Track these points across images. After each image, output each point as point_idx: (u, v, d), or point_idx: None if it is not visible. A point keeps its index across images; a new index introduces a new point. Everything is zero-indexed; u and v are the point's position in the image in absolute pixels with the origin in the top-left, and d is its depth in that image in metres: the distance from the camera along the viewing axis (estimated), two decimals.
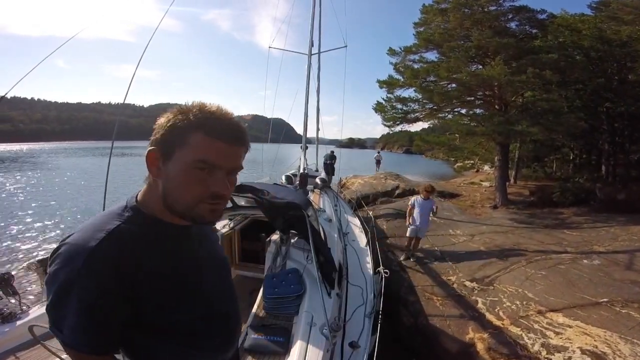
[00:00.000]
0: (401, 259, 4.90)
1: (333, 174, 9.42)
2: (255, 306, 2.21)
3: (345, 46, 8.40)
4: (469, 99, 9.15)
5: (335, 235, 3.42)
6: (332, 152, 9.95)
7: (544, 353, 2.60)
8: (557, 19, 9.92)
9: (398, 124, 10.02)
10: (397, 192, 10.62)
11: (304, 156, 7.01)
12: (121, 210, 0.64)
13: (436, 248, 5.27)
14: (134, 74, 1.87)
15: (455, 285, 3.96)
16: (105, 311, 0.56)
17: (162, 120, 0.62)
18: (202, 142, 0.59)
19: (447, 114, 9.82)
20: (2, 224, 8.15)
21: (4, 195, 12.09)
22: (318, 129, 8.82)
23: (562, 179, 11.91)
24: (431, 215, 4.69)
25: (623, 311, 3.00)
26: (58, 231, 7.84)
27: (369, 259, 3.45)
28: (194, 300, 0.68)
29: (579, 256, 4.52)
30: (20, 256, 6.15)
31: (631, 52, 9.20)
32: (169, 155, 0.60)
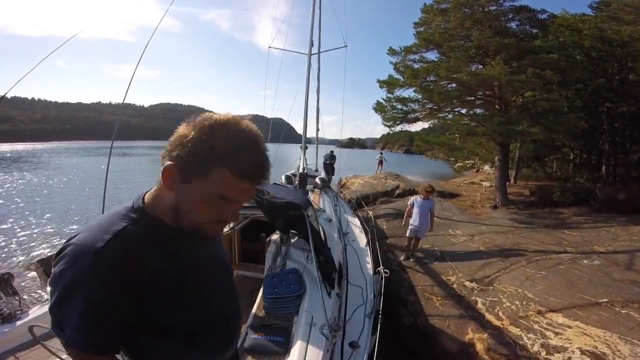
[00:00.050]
0: (401, 259, 4.90)
1: (333, 174, 9.40)
2: (255, 306, 2.21)
3: (345, 46, 8.39)
4: (469, 98, 9.15)
5: (335, 235, 3.42)
6: (332, 152, 9.95)
7: (543, 353, 2.60)
8: (557, 18, 9.93)
9: (398, 124, 10.02)
10: (397, 192, 10.62)
11: (304, 156, 6.99)
12: (127, 211, 0.64)
13: (436, 248, 5.27)
14: (134, 74, 1.87)
15: (455, 286, 3.96)
16: (110, 312, 0.56)
17: (182, 133, 0.58)
18: (227, 180, 0.57)
19: (447, 114, 9.81)
20: (2, 224, 8.15)
21: (4, 195, 12.10)
22: (318, 129, 8.82)
23: (563, 179, 11.89)
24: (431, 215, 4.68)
25: (623, 311, 3.00)
26: (58, 231, 7.84)
27: (369, 259, 3.45)
28: (194, 301, 0.68)
29: (579, 256, 4.52)
30: (20, 256, 6.16)
31: (632, 52, 9.21)
32: (188, 179, 0.59)
